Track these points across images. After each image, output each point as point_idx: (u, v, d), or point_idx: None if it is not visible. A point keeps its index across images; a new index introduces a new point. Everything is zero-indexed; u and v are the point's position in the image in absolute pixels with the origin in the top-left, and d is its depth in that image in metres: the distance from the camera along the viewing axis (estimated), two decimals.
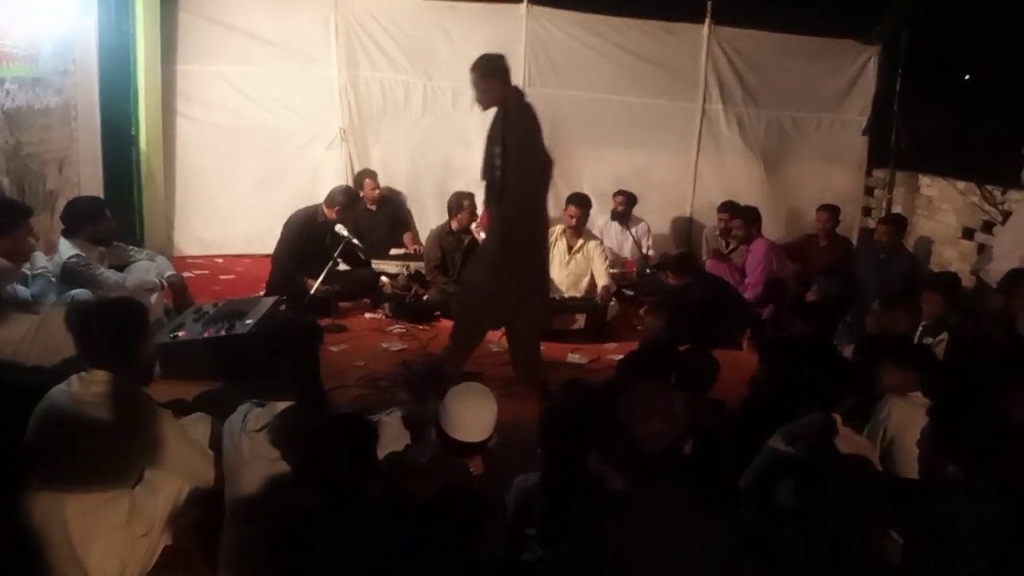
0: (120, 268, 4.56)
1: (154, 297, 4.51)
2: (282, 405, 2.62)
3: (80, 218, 4.42)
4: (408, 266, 6.12)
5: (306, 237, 5.50)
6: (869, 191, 7.90)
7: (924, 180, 7.40)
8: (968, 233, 6.78)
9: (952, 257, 6.92)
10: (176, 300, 4.66)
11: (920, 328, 4.47)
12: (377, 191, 6.55)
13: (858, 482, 2.44)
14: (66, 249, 4.32)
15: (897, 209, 7.46)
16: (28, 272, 4.12)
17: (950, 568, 2.26)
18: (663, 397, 2.14)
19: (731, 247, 6.56)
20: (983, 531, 2.24)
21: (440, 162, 7.10)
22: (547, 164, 4.27)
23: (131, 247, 4.88)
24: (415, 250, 6.49)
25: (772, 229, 7.11)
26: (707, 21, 7.12)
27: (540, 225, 4.36)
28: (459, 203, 5.90)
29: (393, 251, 6.46)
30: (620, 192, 6.82)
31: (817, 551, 2.29)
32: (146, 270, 4.57)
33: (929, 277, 5.44)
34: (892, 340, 3.51)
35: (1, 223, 3.84)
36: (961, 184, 6.88)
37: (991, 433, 2.30)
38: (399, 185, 7.08)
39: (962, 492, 2.30)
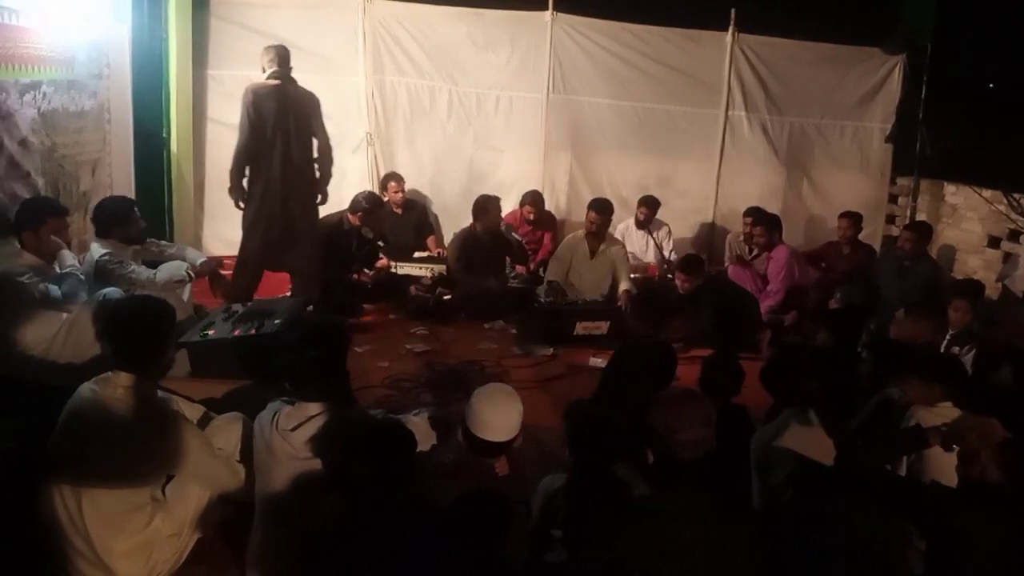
0: (153, 264, 4.62)
1: (186, 294, 4.57)
2: (312, 406, 2.64)
3: (108, 221, 4.48)
4: (432, 269, 6.19)
5: (333, 244, 5.56)
6: (893, 199, 7.86)
7: (949, 188, 7.36)
8: (994, 242, 6.74)
9: (977, 265, 6.87)
10: (212, 285, 4.68)
11: (948, 338, 4.45)
12: (401, 194, 6.61)
13: (880, 487, 2.44)
14: (97, 248, 4.39)
15: (921, 217, 7.42)
16: (58, 270, 4.19)
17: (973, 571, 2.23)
18: (700, 403, 2.15)
19: (754, 254, 6.55)
20: (1009, 539, 2.21)
21: (464, 166, 7.17)
22: (293, 139, 5.00)
23: (163, 242, 4.92)
24: (438, 253, 6.55)
25: (795, 236, 7.09)
26: (731, 29, 7.13)
27: (305, 189, 5.16)
28: (483, 206, 5.96)
29: (417, 254, 6.53)
30: (644, 202, 6.83)
31: (840, 558, 2.29)
32: (177, 267, 4.63)
33: (954, 285, 5.39)
34: (917, 352, 3.48)
35: (27, 218, 3.93)
36: (987, 192, 6.84)
37: None
38: (424, 189, 7.13)
39: (987, 499, 2.28)
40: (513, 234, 6.06)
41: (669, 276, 6.52)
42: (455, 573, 2.07)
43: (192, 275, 4.62)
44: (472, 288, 5.85)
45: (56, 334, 3.84)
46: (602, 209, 6.01)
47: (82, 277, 4.17)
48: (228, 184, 5.13)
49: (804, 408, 2.84)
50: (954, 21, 7.16)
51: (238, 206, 5.19)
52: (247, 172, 5.08)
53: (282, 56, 5.04)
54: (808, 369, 2.96)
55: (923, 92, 7.22)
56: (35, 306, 3.82)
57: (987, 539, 2.19)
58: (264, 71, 5.05)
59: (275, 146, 4.96)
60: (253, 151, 4.97)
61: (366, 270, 5.60)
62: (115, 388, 2.56)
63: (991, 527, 2.20)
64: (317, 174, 5.21)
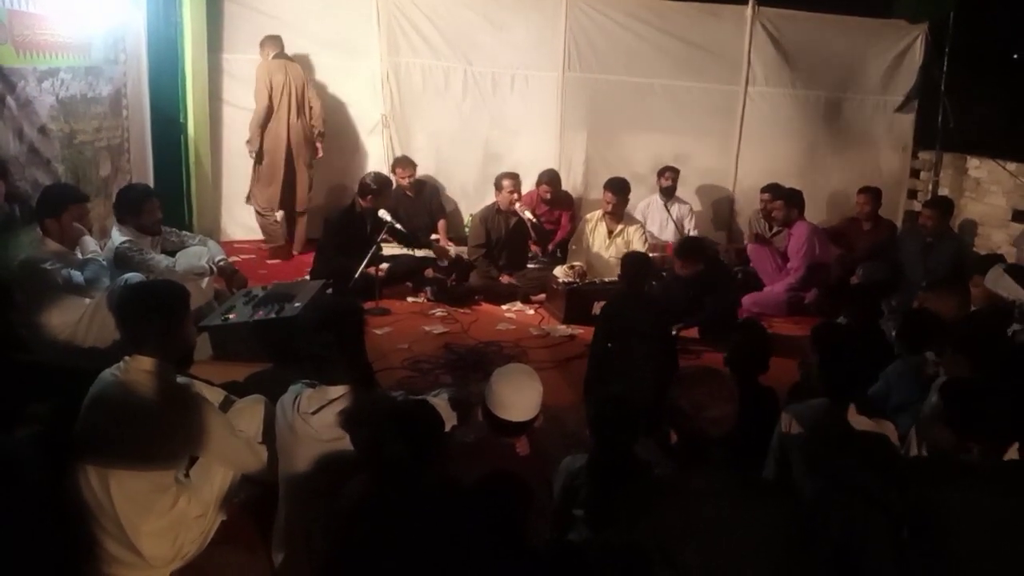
0: (173, 253, 4.64)
1: (204, 282, 4.58)
2: (333, 388, 2.65)
3: (124, 209, 4.50)
4: (449, 251, 6.20)
5: (347, 229, 5.59)
6: (915, 173, 7.76)
7: (972, 162, 7.25)
8: (1019, 216, 6.65)
9: (1001, 240, 6.79)
10: (228, 284, 4.75)
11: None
12: (407, 179, 6.55)
13: (866, 462, 2.42)
14: (117, 235, 4.41)
15: (944, 191, 7.33)
16: (80, 256, 4.22)
17: (954, 548, 2.19)
18: (726, 380, 2.14)
19: (774, 231, 6.50)
20: (987, 512, 2.17)
21: (480, 146, 7.14)
22: (295, 103, 6.46)
23: (184, 232, 4.97)
24: (439, 239, 6.56)
25: (816, 212, 7.03)
26: (751, 2, 7.04)
27: (305, 142, 6.56)
28: (498, 182, 5.97)
29: (433, 236, 6.56)
30: (668, 168, 6.81)
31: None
32: (197, 255, 4.63)
33: (977, 261, 5.32)
34: (946, 326, 3.46)
35: (48, 206, 3.95)
36: (1011, 165, 6.73)
37: (1006, 414, 2.25)
38: (440, 170, 7.12)
39: (964, 472, 2.25)
40: (527, 212, 6.01)
41: None
42: (477, 552, 2.08)
43: (213, 268, 4.64)
44: (488, 280, 5.89)
45: (80, 319, 3.90)
46: (618, 188, 5.98)
47: (104, 263, 4.19)
48: (248, 138, 6.42)
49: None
50: None
51: (255, 156, 6.47)
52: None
53: (280, 44, 6.44)
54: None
55: (945, 64, 7.10)
56: (59, 292, 3.86)
57: (971, 514, 2.16)
58: (268, 54, 6.38)
59: (282, 109, 6.34)
60: (269, 113, 6.34)
61: (384, 256, 5.61)
62: (135, 372, 2.58)
63: (976, 502, 2.17)
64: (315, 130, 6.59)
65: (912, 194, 7.76)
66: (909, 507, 2.25)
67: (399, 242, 5.89)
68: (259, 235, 7.10)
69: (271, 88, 6.30)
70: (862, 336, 3.82)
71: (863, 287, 5.65)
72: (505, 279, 5.91)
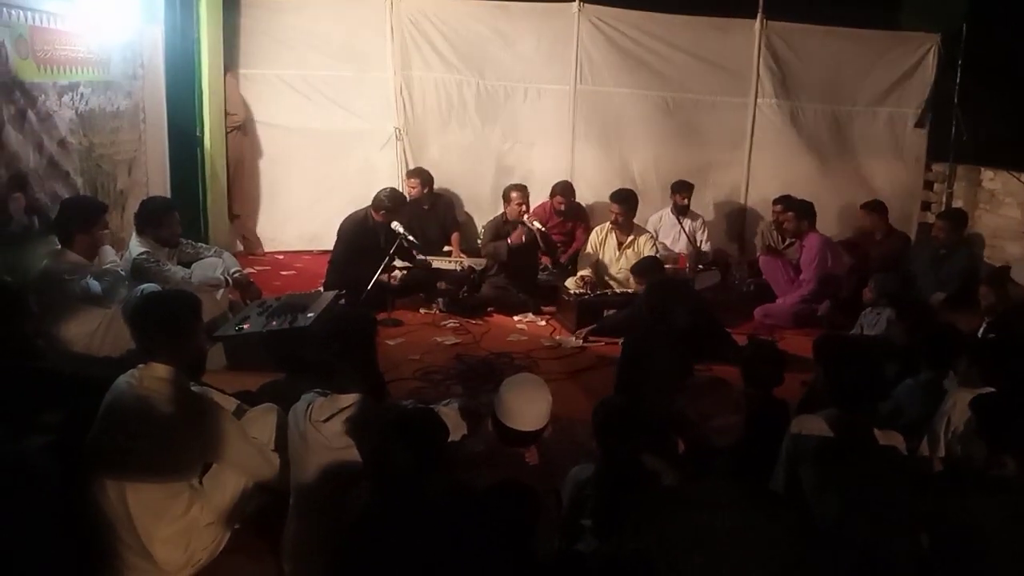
0: (188, 264, 4.70)
1: (219, 293, 4.64)
2: (345, 397, 2.67)
3: (145, 220, 4.58)
4: (461, 262, 6.22)
5: (360, 240, 5.63)
6: (929, 185, 7.73)
7: (986, 173, 7.22)
8: None
9: (1016, 252, 6.74)
10: (243, 296, 4.79)
11: (985, 324, 4.38)
12: (417, 190, 6.56)
13: (883, 475, 2.42)
14: (136, 246, 4.48)
15: (958, 203, 7.30)
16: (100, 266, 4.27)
17: (979, 564, 2.18)
18: (732, 390, 2.15)
19: (786, 243, 6.49)
20: (1014, 526, 2.16)
21: (492, 159, 7.18)
22: None
23: (200, 244, 5.03)
24: (450, 251, 6.58)
25: (828, 224, 7.01)
26: (760, 16, 7.05)
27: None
28: (506, 194, 6.00)
29: (446, 248, 6.59)
30: (681, 187, 6.78)
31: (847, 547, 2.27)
32: (212, 266, 4.69)
33: (988, 272, 5.30)
34: (967, 339, 3.45)
35: (81, 220, 4.02)
36: None
37: None
38: (453, 183, 7.16)
39: (989, 485, 2.23)
40: (536, 223, 6.02)
41: (700, 267, 6.49)
42: (486, 561, 2.09)
43: (229, 280, 4.70)
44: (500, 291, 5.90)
45: (96, 330, 3.95)
46: (623, 199, 5.98)
47: (122, 273, 4.26)
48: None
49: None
50: (989, 2, 7.00)
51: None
52: None
53: None
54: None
55: (958, 76, 7.08)
56: (77, 303, 3.91)
57: (994, 527, 2.15)
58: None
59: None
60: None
61: (397, 267, 5.65)
62: (150, 379, 2.61)
63: (1001, 514, 2.16)
64: None
65: (926, 206, 7.72)
66: (936, 519, 2.25)
67: (406, 259, 5.90)
68: (272, 247, 7.20)
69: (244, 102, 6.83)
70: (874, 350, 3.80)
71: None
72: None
